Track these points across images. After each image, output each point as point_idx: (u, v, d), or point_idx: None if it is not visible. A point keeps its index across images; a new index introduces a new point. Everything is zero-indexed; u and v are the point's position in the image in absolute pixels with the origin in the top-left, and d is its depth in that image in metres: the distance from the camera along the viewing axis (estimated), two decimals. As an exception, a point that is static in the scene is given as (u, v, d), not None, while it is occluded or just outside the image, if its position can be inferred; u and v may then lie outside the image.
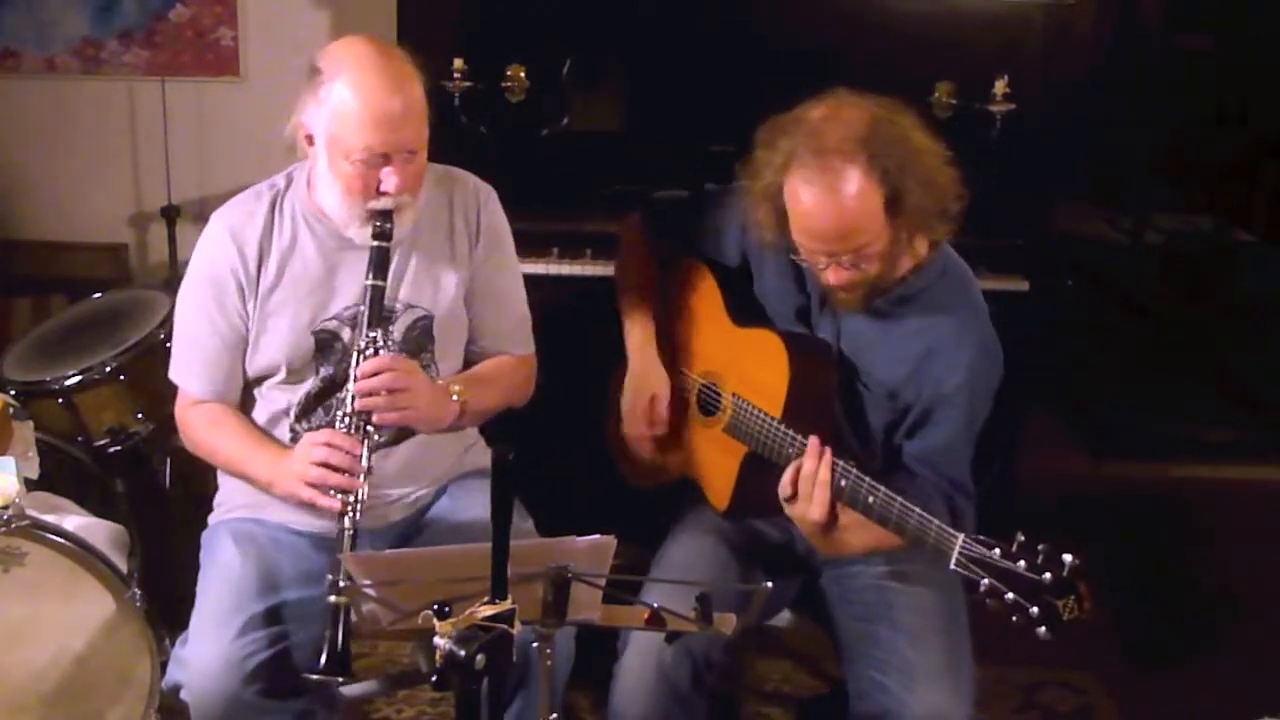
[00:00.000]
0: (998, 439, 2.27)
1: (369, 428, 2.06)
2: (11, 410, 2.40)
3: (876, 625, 2.13)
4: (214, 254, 2.15)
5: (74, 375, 2.72)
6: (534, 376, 2.36)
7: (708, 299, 2.35)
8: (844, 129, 1.96)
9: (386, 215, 2.05)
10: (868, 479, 1.95)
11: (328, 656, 1.87)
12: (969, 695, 2.05)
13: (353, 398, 2.05)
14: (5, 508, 2.10)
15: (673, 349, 2.41)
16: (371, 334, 2.06)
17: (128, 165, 3.67)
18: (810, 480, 1.99)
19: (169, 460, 2.92)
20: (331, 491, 2.02)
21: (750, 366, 2.22)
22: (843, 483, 1.97)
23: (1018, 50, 2.97)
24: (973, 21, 2.99)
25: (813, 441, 1.99)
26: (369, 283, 2.06)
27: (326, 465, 2.02)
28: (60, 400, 2.72)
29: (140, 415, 2.79)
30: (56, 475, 2.55)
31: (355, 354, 2.07)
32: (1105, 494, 3.81)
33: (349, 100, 2.00)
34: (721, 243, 2.33)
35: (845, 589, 2.22)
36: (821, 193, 1.95)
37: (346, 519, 1.99)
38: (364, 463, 2.03)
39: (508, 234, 2.30)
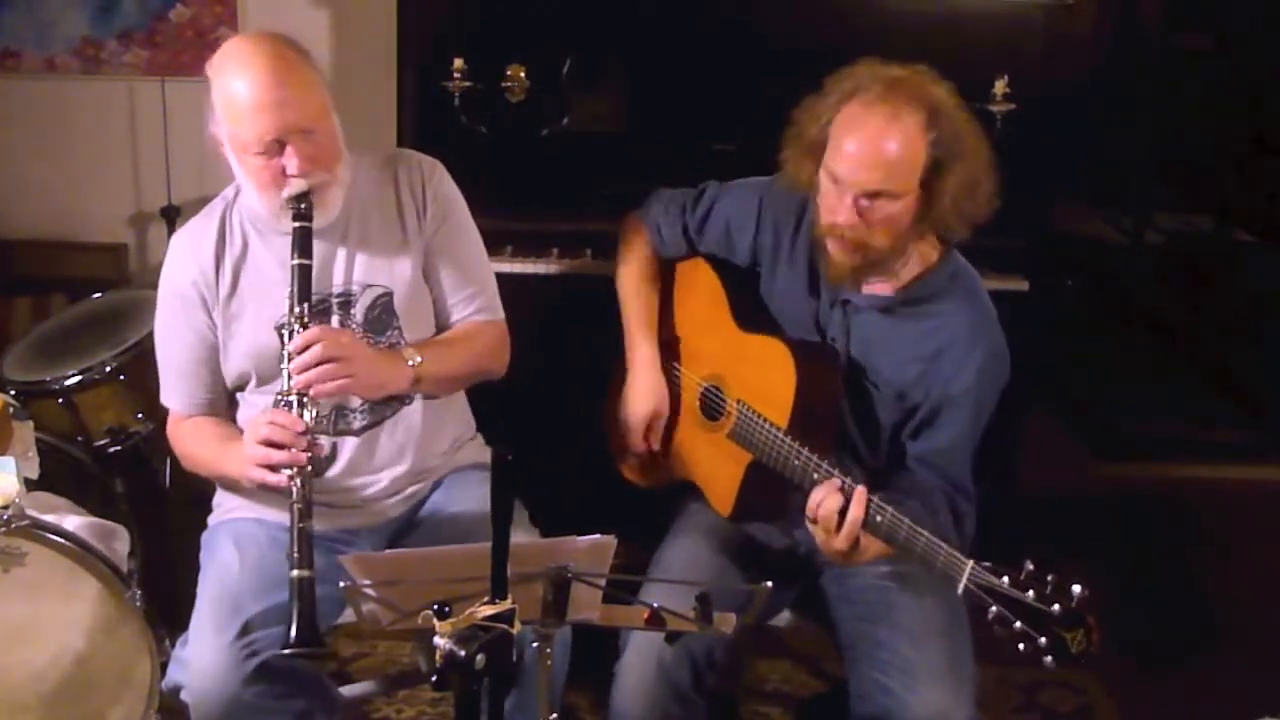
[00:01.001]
0: (998, 439, 2.27)
1: (305, 401, 2.05)
2: (11, 410, 2.40)
3: (878, 626, 2.13)
4: (175, 272, 2.21)
5: (74, 375, 2.72)
6: (506, 344, 2.35)
7: (712, 301, 2.34)
8: (919, 87, 2.02)
9: (303, 197, 2.07)
10: (889, 509, 1.94)
11: (297, 630, 1.87)
12: (970, 695, 2.05)
13: (288, 375, 2.05)
14: (5, 508, 2.10)
15: (675, 349, 2.40)
16: (299, 310, 2.05)
17: (128, 165, 3.67)
18: (839, 518, 1.97)
19: (169, 460, 2.91)
20: (281, 470, 2.02)
21: (756, 373, 2.21)
22: (878, 519, 1.95)
23: (1018, 50, 2.96)
24: (973, 21, 2.98)
25: (859, 491, 1.96)
26: (294, 262, 2.06)
27: (269, 443, 2.02)
28: (60, 400, 2.72)
29: (140, 415, 2.79)
30: (56, 475, 2.55)
31: (286, 331, 2.07)
32: (1105, 494, 3.81)
33: (233, 95, 2.04)
34: (733, 240, 2.32)
35: (846, 589, 2.22)
36: (879, 119, 1.99)
37: (294, 491, 1.99)
38: (309, 437, 2.02)
39: (459, 203, 2.30)
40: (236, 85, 2.03)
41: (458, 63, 2.94)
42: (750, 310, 2.29)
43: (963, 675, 2.06)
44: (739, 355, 2.26)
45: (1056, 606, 1.72)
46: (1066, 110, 3.02)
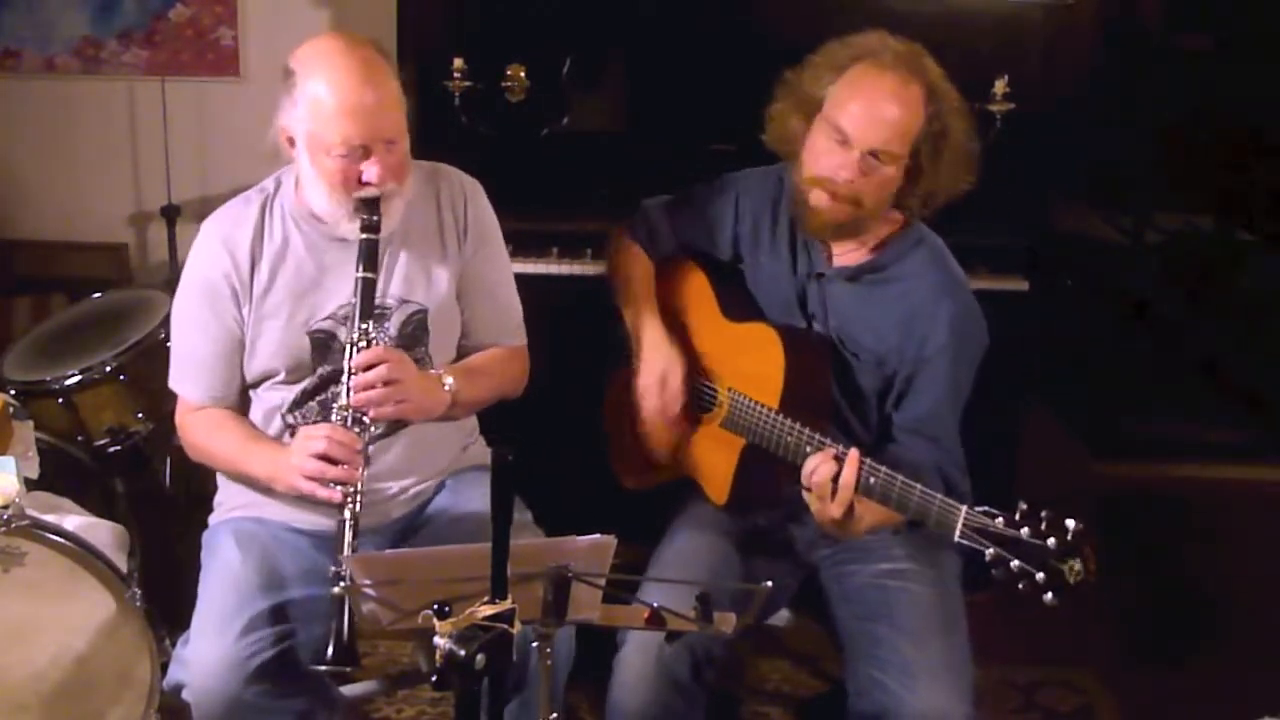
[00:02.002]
0: (997, 438, 2.27)
1: (365, 419, 2.05)
2: (11, 410, 2.40)
3: (876, 624, 2.13)
4: (206, 261, 2.17)
5: (74, 375, 2.72)
6: (526, 368, 2.36)
7: (700, 297, 2.36)
8: (921, 63, 2.13)
9: (373, 206, 2.06)
10: (883, 469, 1.96)
11: (334, 648, 1.87)
12: (969, 694, 2.05)
13: (348, 391, 2.05)
14: (5, 508, 2.10)
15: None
16: (363, 326, 2.05)
17: (128, 165, 3.67)
18: (832, 483, 1.99)
19: (169, 460, 2.92)
20: (331, 484, 2.02)
21: (745, 361, 2.23)
22: (871, 480, 1.97)
23: (1018, 50, 2.97)
24: (973, 21, 2.99)
25: (852, 454, 1.98)
26: (359, 275, 2.05)
27: (325, 458, 2.02)
28: (60, 400, 2.72)
29: (140, 415, 2.79)
30: (56, 475, 2.55)
31: (348, 347, 2.06)
32: (1105, 494, 3.81)
33: (323, 95, 2.01)
34: (713, 235, 2.35)
35: (845, 587, 2.22)
36: (892, 83, 2.08)
37: (347, 510, 1.99)
38: (362, 455, 2.03)
39: (495, 228, 2.30)
40: (328, 86, 2.01)
41: (458, 63, 2.94)
42: (737, 301, 2.31)
43: (961, 674, 2.07)
44: (728, 346, 2.28)
45: (1052, 540, 1.74)
46: (1066, 110, 3.02)
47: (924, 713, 2.02)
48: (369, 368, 2.04)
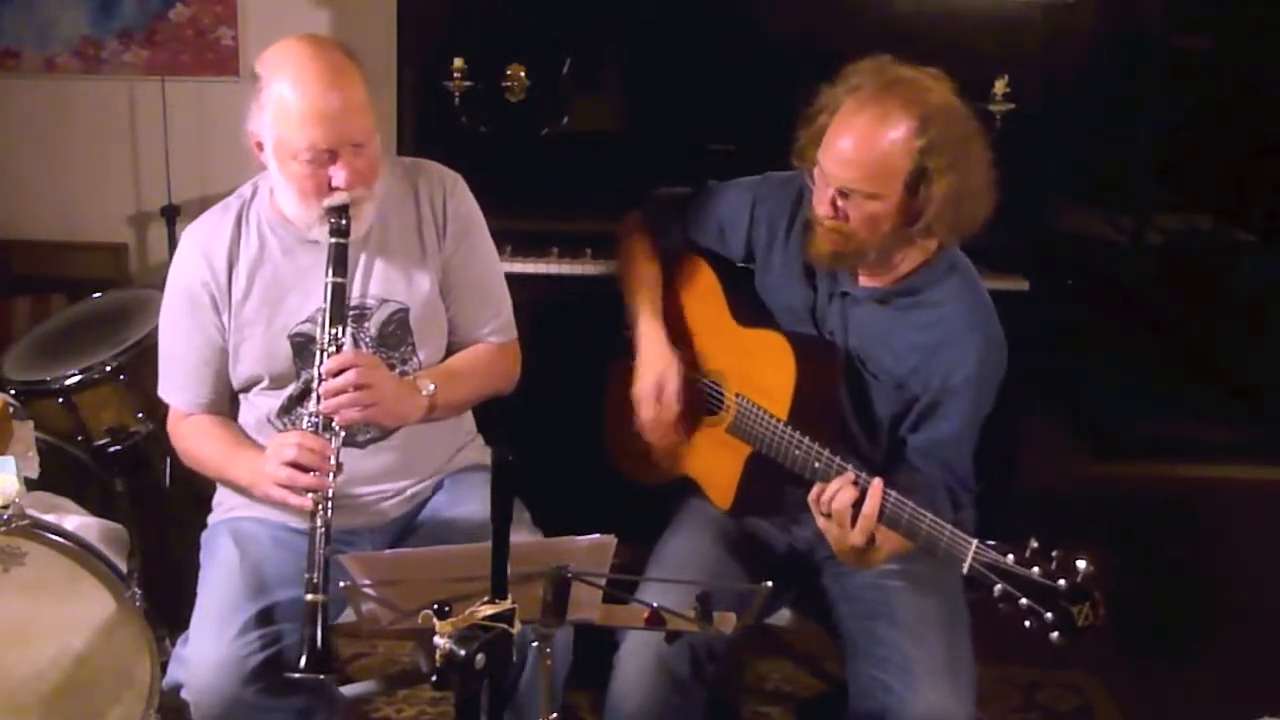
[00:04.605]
0: (998, 439, 2.27)
1: (335, 425, 2.04)
2: (11, 410, 2.40)
3: (877, 623, 2.13)
4: (185, 270, 2.17)
5: (74, 375, 2.72)
6: (518, 364, 2.34)
7: (710, 298, 2.35)
8: (917, 91, 2.03)
9: (342, 211, 2.04)
10: (893, 494, 1.94)
11: (308, 655, 1.87)
12: (970, 693, 2.05)
13: (318, 397, 2.03)
14: (5, 507, 2.10)
15: (674, 347, 2.40)
16: (333, 331, 2.03)
17: (128, 165, 3.67)
18: (853, 511, 1.97)
19: (169, 460, 2.92)
20: (303, 492, 2.00)
21: (755, 367, 2.22)
22: (883, 506, 1.96)
23: (1018, 50, 2.97)
24: (973, 21, 2.99)
25: (875, 484, 1.95)
26: (329, 280, 2.03)
27: (296, 465, 2.00)
28: (60, 400, 2.72)
29: (140, 415, 2.79)
30: (56, 475, 2.55)
31: (319, 352, 2.05)
32: (1105, 494, 3.81)
33: (288, 100, 2.00)
34: (726, 237, 2.34)
35: (846, 587, 2.22)
36: (865, 120, 2.01)
37: (318, 518, 1.97)
38: (334, 461, 2.01)
39: (479, 221, 2.28)
40: (293, 90, 1.99)
41: (458, 63, 2.94)
42: (748, 306, 2.30)
43: (962, 673, 2.07)
44: (738, 350, 2.27)
45: (1062, 581, 1.73)
46: (1066, 110, 3.02)
47: (926, 712, 2.02)
48: (339, 373, 2.02)
